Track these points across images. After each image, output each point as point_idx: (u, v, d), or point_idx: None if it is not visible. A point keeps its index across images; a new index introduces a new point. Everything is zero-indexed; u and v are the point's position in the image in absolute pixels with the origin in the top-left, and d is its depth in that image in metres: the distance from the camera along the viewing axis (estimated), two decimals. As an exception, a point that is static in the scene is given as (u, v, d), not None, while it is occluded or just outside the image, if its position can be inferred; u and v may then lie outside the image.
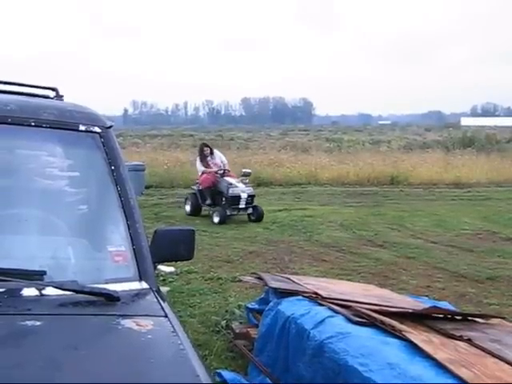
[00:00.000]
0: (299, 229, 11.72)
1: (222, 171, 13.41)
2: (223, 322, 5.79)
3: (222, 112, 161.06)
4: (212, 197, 13.35)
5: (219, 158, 14.06)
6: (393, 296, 5.07)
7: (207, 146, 14.29)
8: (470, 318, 4.29)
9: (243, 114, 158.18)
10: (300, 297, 4.35)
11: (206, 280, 7.77)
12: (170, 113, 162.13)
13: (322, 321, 3.82)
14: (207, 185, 13.35)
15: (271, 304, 4.46)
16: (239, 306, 6.25)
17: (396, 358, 3.25)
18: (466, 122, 77.07)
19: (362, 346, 3.42)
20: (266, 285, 4.86)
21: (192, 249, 2.74)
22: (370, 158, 23.15)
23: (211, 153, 13.96)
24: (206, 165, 13.64)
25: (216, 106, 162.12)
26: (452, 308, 5.23)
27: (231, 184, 12.96)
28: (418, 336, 3.46)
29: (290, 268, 8.41)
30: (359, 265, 8.88)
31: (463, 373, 2.99)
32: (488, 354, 3.39)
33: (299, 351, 3.89)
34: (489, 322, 4.39)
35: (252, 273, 6.78)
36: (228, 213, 12.74)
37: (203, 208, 13.67)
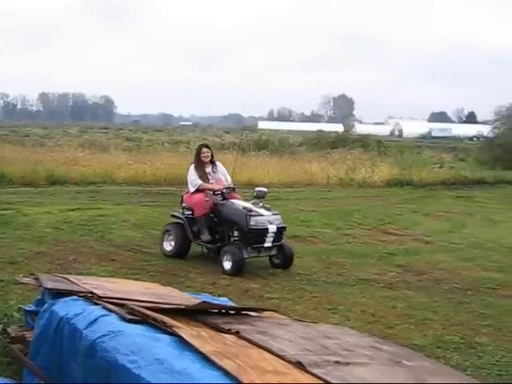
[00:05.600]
0: (91, 228, 11.48)
1: (226, 190, 9.28)
2: (0, 327, 5.54)
3: (19, 106, 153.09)
4: (211, 229, 9.24)
5: (223, 173, 9.82)
6: (172, 293, 5.17)
7: (208, 147, 9.98)
8: (243, 312, 4.51)
9: (41, 109, 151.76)
10: (75, 297, 4.28)
11: (-16, 283, 7.37)
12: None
13: (95, 320, 3.79)
14: (205, 211, 9.19)
15: (46, 305, 4.35)
16: (19, 309, 6.00)
17: (165, 353, 3.32)
18: (262, 125, 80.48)
19: (132, 343, 3.45)
20: (42, 285, 4.73)
21: None
22: (169, 158, 23.28)
23: (212, 162, 9.76)
24: (204, 178, 9.49)
25: (12, 100, 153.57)
26: (231, 303, 5.45)
27: (251, 210, 8.81)
28: (187, 331, 3.57)
29: (76, 268, 8.23)
30: (149, 263, 8.95)
31: (226, 363, 3.13)
32: (253, 344, 3.58)
33: (73, 352, 3.83)
34: (261, 315, 4.63)
35: (31, 274, 6.54)
36: (246, 255, 8.79)
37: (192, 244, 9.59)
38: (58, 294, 4.43)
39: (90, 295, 4.25)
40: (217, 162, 9.83)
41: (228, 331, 3.74)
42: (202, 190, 9.29)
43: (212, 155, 9.78)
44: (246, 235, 8.74)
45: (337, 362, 3.48)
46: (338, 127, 71.19)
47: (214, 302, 5.00)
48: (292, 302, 7.35)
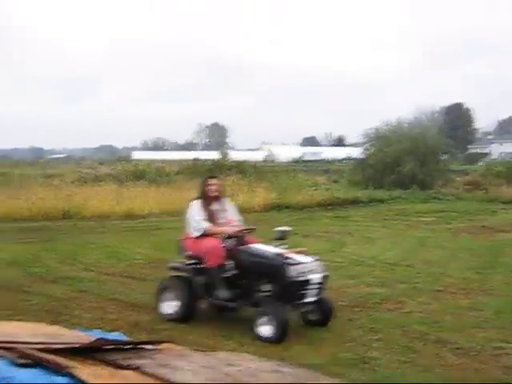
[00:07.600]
0: (-37, 270, 10.82)
1: (243, 232, 7.63)
2: None
3: None
4: (229, 283, 7.41)
5: (232, 209, 8.06)
6: (63, 332, 4.90)
7: (216, 178, 8.20)
8: (139, 345, 4.34)
9: None
10: (-43, 344, 3.96)
11: None
12: None
13: (-17, 367, 3.51)
14: (220, 260, 7.36)
15: None
16: None
17: (64, 396, 3.13)
18: (137, 155, 79.57)
19: (26, 389, 3.23)
20: None
21: None
22: (43, 192, 22.42)
23: (218, 198, 7.95)
24: (212, 218, 7.74)
25: None
26: (123, 338, 5.24)
27: (287, 258, 7.08)
28: (85, 370, 3.38)
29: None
30: (30, 303, 8.52)
31: (131, 402, 2.99)
32: (157, 379, 3.45)
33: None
34: (158, 347, 4.48)
35: None
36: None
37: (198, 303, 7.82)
38: None
39: (-27, 341, 3.95)
40: (223, 198, 8.05)
41: (128, 367, 3.58)
42: (209, 234, 7.54)
43: (221, 189, 8.00)
44: (283, 289, 7.01)
45: (243, 390, 3.42)
46: (214, 155, 71.59)
47: (108, 337, 4.80)
48: (185, 331, 7.22)
